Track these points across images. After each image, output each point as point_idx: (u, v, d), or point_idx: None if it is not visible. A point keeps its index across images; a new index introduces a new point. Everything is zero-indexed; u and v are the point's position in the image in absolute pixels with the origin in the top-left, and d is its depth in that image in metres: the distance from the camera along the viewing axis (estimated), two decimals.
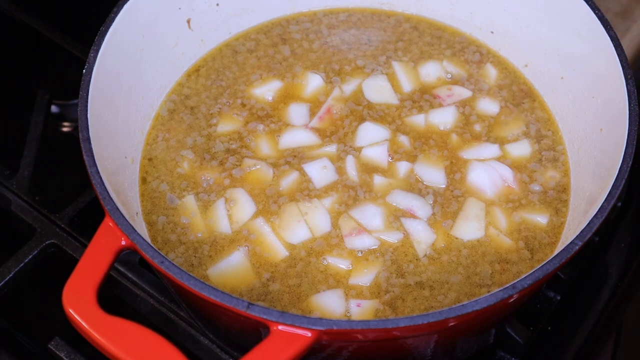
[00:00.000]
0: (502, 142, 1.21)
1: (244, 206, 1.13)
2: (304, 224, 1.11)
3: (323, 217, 1.12)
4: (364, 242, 1.10)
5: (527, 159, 1.19)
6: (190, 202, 1.14)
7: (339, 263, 1.08)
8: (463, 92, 1.26)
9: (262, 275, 1.08)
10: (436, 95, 1.26)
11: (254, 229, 1.11)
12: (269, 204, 1.14)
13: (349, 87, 1.27)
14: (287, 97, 1.26)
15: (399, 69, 1.29)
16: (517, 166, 1.18)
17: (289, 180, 1.16)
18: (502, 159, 1.19)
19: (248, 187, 1.15)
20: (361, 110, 1.24)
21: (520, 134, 1.22)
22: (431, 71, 1.29)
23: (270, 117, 1.24)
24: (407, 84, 1.28)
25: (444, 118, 1.23)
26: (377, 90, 1.27)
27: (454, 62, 1.30)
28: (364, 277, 1.07)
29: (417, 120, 1.23)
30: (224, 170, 1.17)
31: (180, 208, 1.14)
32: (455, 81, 1.28)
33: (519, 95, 1.27)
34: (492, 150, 1.19)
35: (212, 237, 1.11)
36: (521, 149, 1.20)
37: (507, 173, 1.17)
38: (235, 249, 1.10)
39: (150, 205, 1.14)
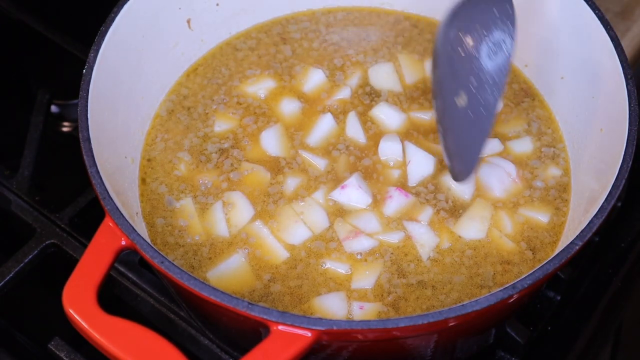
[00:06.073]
0: (503, 139, 1.21)
1: (241, 209, 1.13)
2: (301, 224, 1.11)
3: (319, 213, 1.12)
4: (362, 243, 1.10)
5: (529, 155, 1.19)
6: (188, 205, 1.14)
7: (337, 267, 1.08)
8: None
9: (263, 277, 1.08)
10: None
11: (252, 232, 1.11)
12: (267, 206, 1.14)
13: (353, 81, 1.27)
14: (283, 94, 1.26)
15: (403, 61, 1.29)
16: (518, 163, 1.18)
17: (288, 182, 1.16)
18: (504, 154, 1.19)
19: (246, 189, 1.15)
20: (368, 102, 1.25)
21: (521, 131, 1.22)
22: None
23: (266, 115, 1.24)
24: (409, 77, 1.28)
25: None
26: (383, 79, 1.27)
27: None
28: (366, 280, 1.07)
29: (423, 116, 1.23)
30: (221, 173, 1.17)
31: (178, 211, 1.14)
32: None
33: (520, 93, 1.27)
34: (493, 145, 1.19)
35: (210, 240, 1.11)
36: (522, 146, 1.20)
37: (511, 169, 1.16)
38: (234, 251, 1.09)
39: (150, 206, 1.14)
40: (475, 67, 0.92)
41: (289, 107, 1.24)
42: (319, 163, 1.17)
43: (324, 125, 1.21)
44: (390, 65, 1.29)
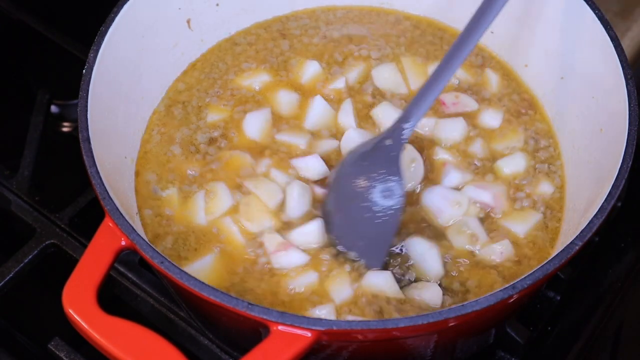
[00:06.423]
0: (495, 157, 1.18)
1: (222, 199, 1.12)
2: (268, 215, 1.10)
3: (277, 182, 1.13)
4: (292, 258, 1.07)
5: (522, 175, 1.16)
6: (173, 194, 1.14)
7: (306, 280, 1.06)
8: (469, 103, 1.23)
9: (237, 271, 1.07)
10: (441, 102, 1.23)
11: (223, 227, 1.11)
12: (237, 196, 1.13)
13: (352, 75, 1.27)
14: (279, 86, 1.26)
15: (407, 64, 1.28)
16: (511, 180, 1.16)
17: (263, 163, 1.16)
18: (494, 176, 1.16)
19: (228, 176, 1.15)
20: (371, 101, 1.24)
21: (517, 147, 1.19)
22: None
23: (261, 104, 1.23)
24: (413, 81, 1.26)
25: (451, 132, 1.19)
26: (387, 80, 1.26)
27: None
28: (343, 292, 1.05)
29: (426, 122, 1.20)
30: (206, 164, 1.17)
31: (165, 200, 1.13)
32: (462, 88, 1.26)
33: (521, 104, 1.24)
34: (454, 178, 1.15)
35: (191, 228, 1.11)
36: (515, 165, 1.17)
37: (485, 196, 1.12)
38: (210, 250, 1.09)
39: (141, 198, 1.14)
40: (368, 199, 1.08)
41: (283, 98, 1.24)
42: (300, 142, 1.18)
43: (316, 110, 1.21)
44: (393, 66, 1.28)
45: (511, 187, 1.15)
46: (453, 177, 1.15)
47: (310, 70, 1.27)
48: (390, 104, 1.22)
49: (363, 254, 1.07)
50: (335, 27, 1.35)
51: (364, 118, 1.22)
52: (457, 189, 1.13)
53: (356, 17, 1.37)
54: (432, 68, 1.26)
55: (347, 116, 1.21)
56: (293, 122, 1.22)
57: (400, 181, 1.07)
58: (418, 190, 1.14)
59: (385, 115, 1.21)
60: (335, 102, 1.24)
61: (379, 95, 1.25)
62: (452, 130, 1.19)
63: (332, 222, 1.09)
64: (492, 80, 1.27)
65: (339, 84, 1.25)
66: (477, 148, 1.19)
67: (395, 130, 1.09)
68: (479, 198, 1.13)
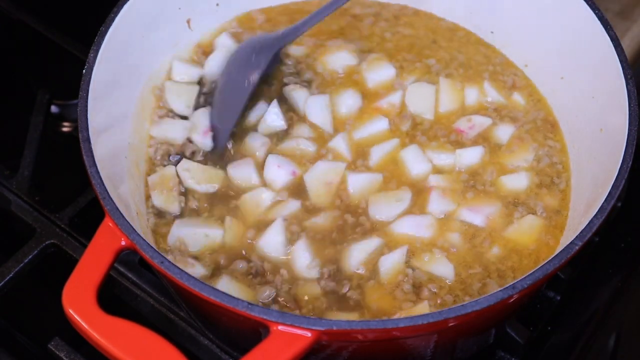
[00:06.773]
0: (501, 171, 1.17)
1: None
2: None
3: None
4: None
5: (525, 192, 1.15)
6: None
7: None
8: (484, 121, 1.21)
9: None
10: (458, 130, 1.20)
11: None
12: None
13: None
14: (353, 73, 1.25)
15: (443, 86, 1.24)
16: (512, 198, 1.14)
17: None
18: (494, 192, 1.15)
19: None
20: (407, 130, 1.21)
21: (522, 167, 1.17)
22: (474, 95, 1.24)
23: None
24: (444, 104, 1.23)
25: (470, 161, 1.17)
26: (418, 101, 1.22)
27: (494, 85, 1.25)
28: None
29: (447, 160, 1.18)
30: None
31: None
32: (481, 108, 1.23)
33: (543, 127, 1.22)
34: (439, 206, 1.13)
35: None
36: (519, 182, 1.15)
37: (477, 219, 1.11)
38: None
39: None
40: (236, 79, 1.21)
41: (347, 95, 1.23)
42: (346, 153, 1.17)
43: (375, 127, 1.20)
44: (430, 88, 1.24)
45: (511, 204, 1.13)
46: (437, 205, 1.12)
47: (384, 74, 1.25)
48: (418, 148, 1.18)
49: (217, 120, 1.19)
50: (397, 27, 1.32)
51: (391, 160, 1.18)
52: (445, 214, 1.12)
53: (413, 19, 1.34)
54: (469, 92, 1.24)
55: (376, 154, 1.18)
56: (348, 123, 1.21)
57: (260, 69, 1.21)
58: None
59: (412, 161, 1.16)
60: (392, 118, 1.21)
61: (415, 123, 1.21)
62: (471, 159, 1.17)
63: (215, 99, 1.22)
64: (520, 102, 1.25)
65: (395, 98, 1.22)
66: (486, 172, 1.17)
67: (286, 34, 1.22)
68: (471, 221, 1.11)
